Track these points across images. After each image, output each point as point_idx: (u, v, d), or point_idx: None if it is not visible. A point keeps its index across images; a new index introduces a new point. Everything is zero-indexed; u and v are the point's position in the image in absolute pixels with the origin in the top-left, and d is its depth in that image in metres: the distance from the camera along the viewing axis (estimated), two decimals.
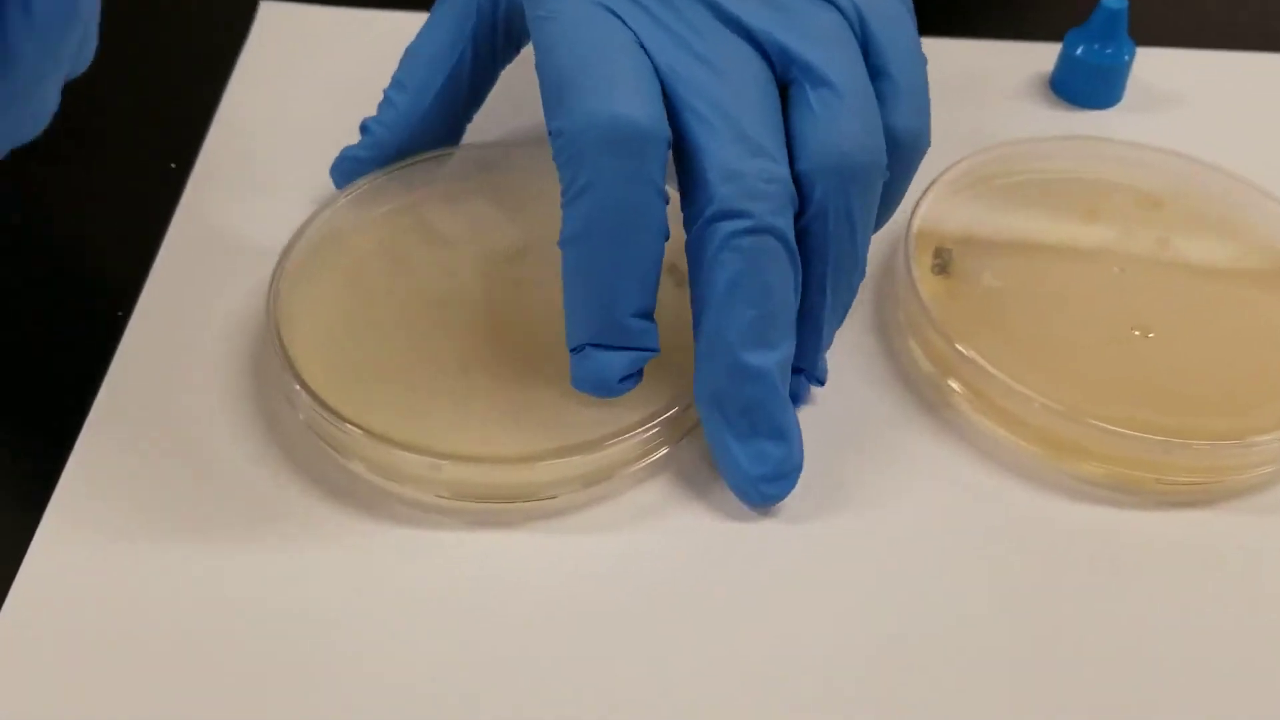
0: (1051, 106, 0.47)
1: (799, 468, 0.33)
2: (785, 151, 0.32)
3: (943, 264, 0.39)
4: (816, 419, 0.36)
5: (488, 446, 0.33)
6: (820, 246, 0.33)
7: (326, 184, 0.40)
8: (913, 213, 0.39)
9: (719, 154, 0.32)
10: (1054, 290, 0.38)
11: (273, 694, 0.30)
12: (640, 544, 0.33)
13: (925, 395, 0.37)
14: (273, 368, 0.35)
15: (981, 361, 0.35)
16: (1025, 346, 0.36)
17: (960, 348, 0.35)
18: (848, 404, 0.36)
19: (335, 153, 0.40)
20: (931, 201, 0.39)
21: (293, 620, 0.31)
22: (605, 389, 0.33)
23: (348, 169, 0.39)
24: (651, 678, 0.30)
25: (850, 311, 0.35)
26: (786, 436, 0.33)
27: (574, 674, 0.30)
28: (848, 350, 0.37)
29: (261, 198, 0.41)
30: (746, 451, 0.33)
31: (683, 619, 0.32)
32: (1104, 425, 0.34)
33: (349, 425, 0.32)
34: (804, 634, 0.31)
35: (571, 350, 0.33)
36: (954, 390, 0.36)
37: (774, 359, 0.32)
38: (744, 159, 0.32)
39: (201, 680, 0.30)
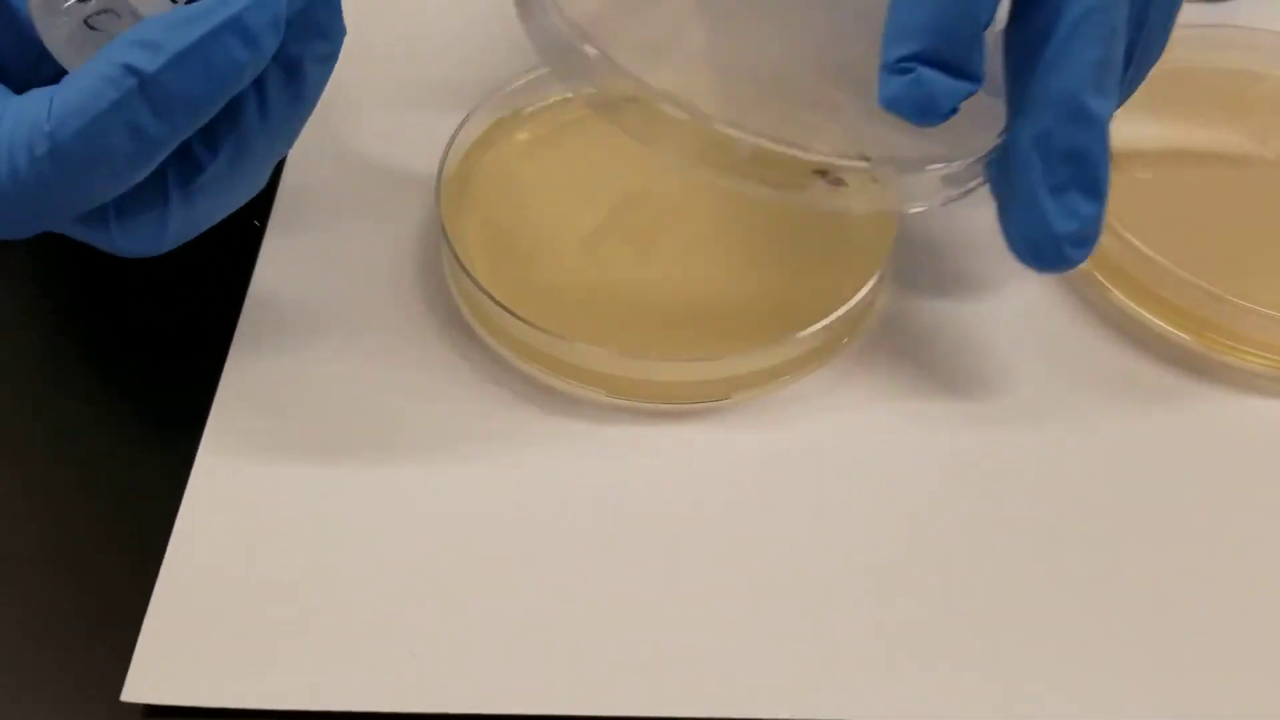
0: None
1: (1099, 235, 0.31)
2: None
3: None
4: (968, 313, 0.36)
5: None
6: (1140, 10, 0.30)
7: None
8: None
9: None
10: (1207, 181, 0.38)
11: (444, 590, 0.30)
12: (809, 439, 0.33)
13: (1077, 288, 0.37)
14: (432, 258, 0.36)
15: (1144, 248, 0.35)
16: (1180, 235, 0.36)
17: (1127, 236, 0.35)
18: (998, 296, 0.36)
19: None
20: None
21: (462, 519, 0.31)
22: (932, 109, 0.29)
23: None
24: (832, 569, 0.31)
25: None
26: (1101, 195, 0.30)
27: (750, 567, 0.31)
28: (992, 241, 0.37)
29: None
30: (1058, 205, 0.30)
31: (865, 499, 0.32)
32: (1265, 311, 0.33)
33: (527, 325, 0.33)
34: (969, 521, 0.32)
35: (891, 65, 0.29)
36: (1109, 281, 0.36)
37: (1109, 108, 0.30)
38: None
39: (370, 578, 0.30)
